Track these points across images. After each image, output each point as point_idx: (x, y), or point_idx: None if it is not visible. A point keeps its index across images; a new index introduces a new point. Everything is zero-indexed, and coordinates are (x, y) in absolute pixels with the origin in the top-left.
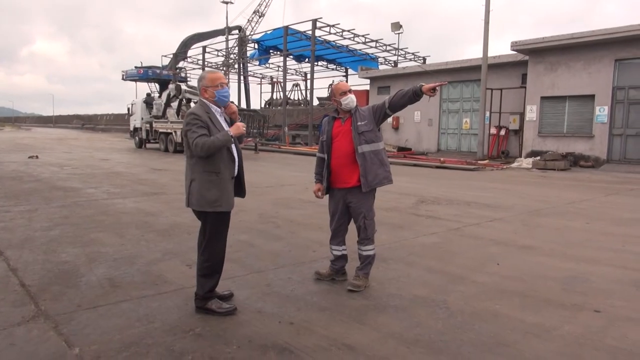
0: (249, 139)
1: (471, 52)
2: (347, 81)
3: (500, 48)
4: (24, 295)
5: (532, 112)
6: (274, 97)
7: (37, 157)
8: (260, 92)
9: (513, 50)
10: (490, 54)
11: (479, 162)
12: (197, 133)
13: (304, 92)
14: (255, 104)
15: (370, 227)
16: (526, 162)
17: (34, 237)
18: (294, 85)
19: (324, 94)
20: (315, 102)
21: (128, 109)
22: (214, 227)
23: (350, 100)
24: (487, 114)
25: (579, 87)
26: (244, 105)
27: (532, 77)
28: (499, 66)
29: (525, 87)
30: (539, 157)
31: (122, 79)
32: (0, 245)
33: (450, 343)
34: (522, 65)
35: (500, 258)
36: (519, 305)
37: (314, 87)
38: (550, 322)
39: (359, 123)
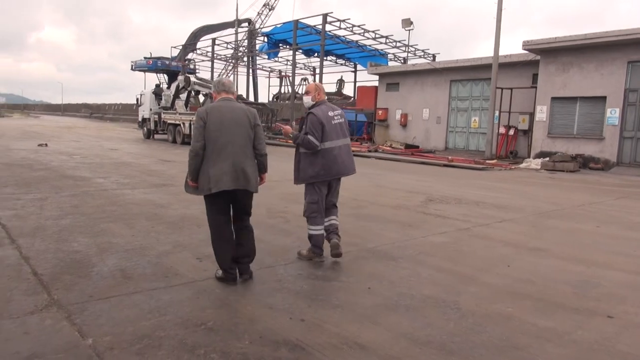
0: None
1: (481, 49)
2: (355, 77)
3: (511, 46)
4: (37, 284)
5: (542, 113)
6: (282, 91)
7: (46, 145)
8: (269, 86)
9: (524, 49)
10: (501, 52)
11: (487, 161)
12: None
13: None
14: (263, 97)
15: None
16: (535, 163)
17: (45, 225)
18: (302, 79)
19: (333, 89)
20: None
21: (137, 100)
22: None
23: (304, 100)
24: (497, 113)
25: (591, 89)
26: (252, 98)
27: (543, 77)
28: (509, 65)
29: (535, 87)
30: (548, 158)
31: (131, 69)
32: (12, 233)
33: (462, 345)
34: (533, 65)
35: (511, 260)
36: (530, 309)
37: (323, 81)
38: (563, 327)
39: (304, 126)
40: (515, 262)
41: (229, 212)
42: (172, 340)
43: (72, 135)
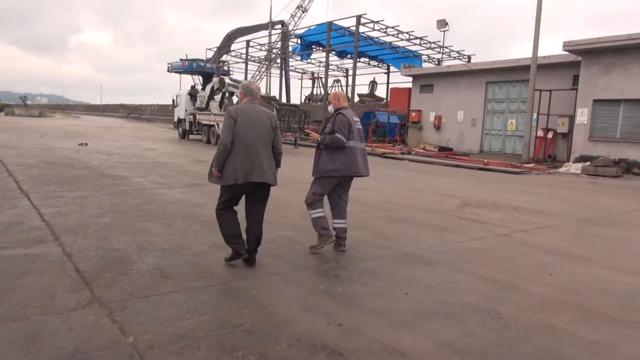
0: (289, 133)
1: (518, 50)
2: (388, 78)
3: (549, 47)
4: (79, 280)
5: (582, 115)
6: (314, 92)
7: (86, 144)
8: (301, 87)
9: (565, 50)
10: (539, 53)
11: (525, 165)
12: None
13: (344, 88)
14: (295, 99)
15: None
16: (575, 167)
17: (87, 223)
18: (334, 81)
19: (365, 90)
20: (356, 99)
21: (173, 100)
22: None
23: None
24: (535, 115)
25: (636, 91)
26: (284, 99)
27: (585, 79)
28: (548, 67)
29: (576, 89)
30: (588, 163)
31: (168, 70)
32: (56, 230)
33: (505, 356)
34: (573, 67)
35: (553, 268)
36: (576, 320)
37: (355, 83)
38: (612, 340)
39: (328, 125)
40: (558, 271)
41: (238, 202)
42: (211, 340)
43: (111, 135)
